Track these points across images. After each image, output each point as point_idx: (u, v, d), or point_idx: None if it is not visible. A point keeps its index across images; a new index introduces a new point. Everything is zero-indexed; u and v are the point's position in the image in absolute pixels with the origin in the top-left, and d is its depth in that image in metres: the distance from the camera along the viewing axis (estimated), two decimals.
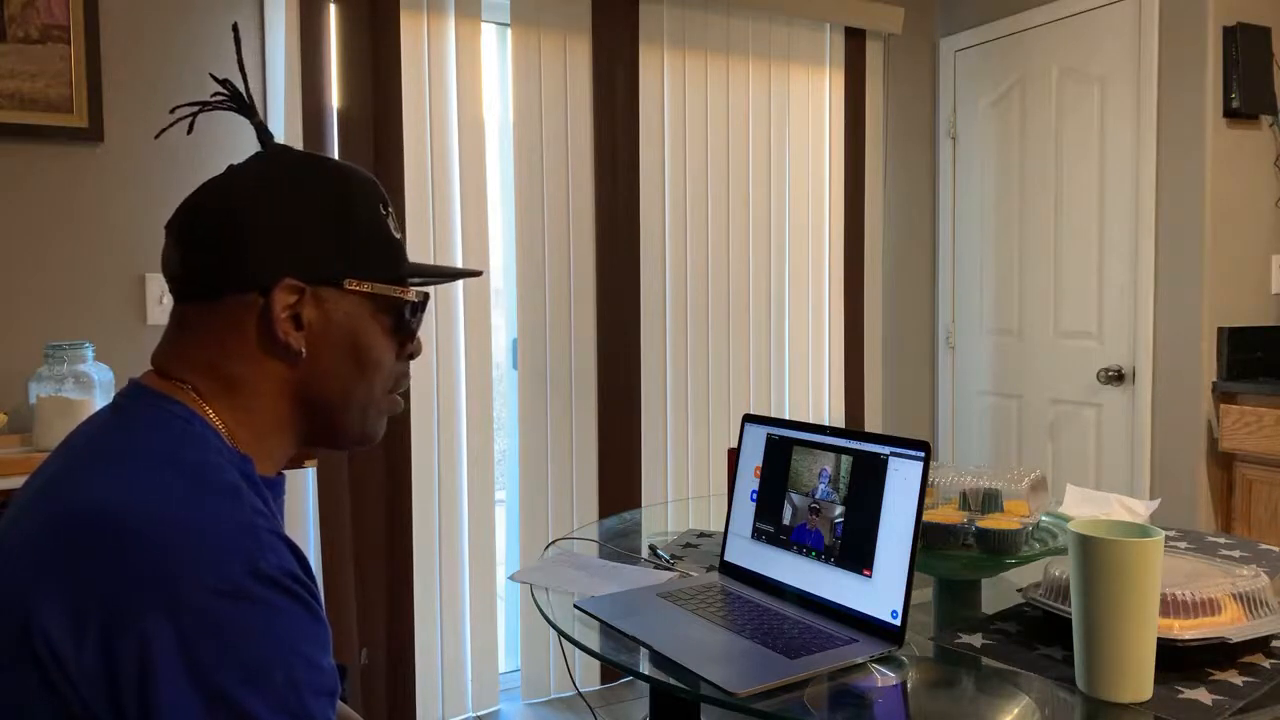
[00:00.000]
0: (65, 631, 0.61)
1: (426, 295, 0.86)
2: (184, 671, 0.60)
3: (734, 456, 1.49)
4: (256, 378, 0.78)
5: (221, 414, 0.77)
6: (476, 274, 0.90)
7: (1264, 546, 1.56)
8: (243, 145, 2.45)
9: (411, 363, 0.89)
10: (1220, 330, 2.83)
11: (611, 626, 1.23)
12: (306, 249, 0.78)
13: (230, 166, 0.81)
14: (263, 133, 0.85)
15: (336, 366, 0.81)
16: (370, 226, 0.82)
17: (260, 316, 0.77)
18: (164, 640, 0.60)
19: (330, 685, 0.67)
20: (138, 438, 0.71)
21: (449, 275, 0.88)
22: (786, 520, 1.35)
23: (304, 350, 0.78)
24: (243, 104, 0.84)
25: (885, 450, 1.23)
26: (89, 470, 0.68)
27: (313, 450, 0.80)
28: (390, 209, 0.85)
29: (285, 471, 0.83)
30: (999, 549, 1.34)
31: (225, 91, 0.84)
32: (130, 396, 0.77)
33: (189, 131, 0.89)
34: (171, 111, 0.86)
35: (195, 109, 0.86)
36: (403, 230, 2.38)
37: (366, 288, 0.81)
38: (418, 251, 2.64)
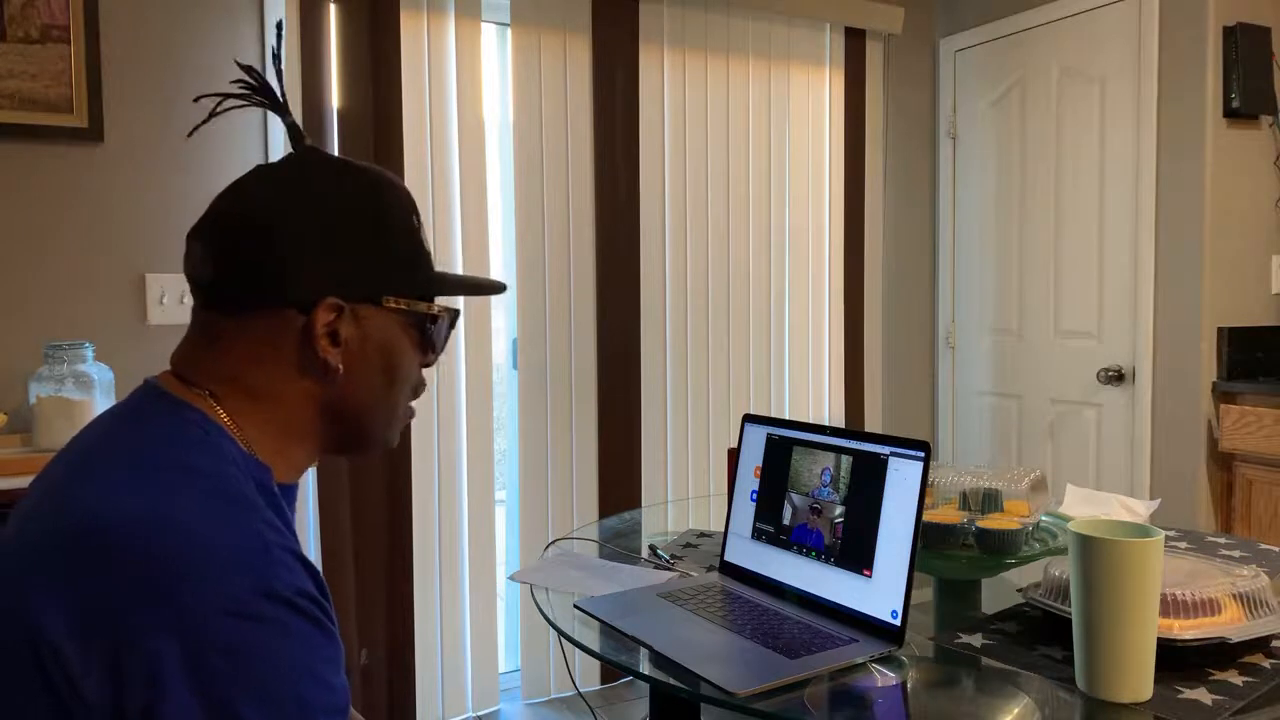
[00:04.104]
0: (73, 646, 0.60)
1: (458, 310, 0.87)
2: (191, 690, 0.60)
3: (734, 456, 1.49)
4: (287, 391, 0.77)
5: (241, 423, 0.75)
6: (502, 288, 0.88)
7: (1264, 546, 1.56)
8: (245, 143, 2.46)
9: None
10: (1220, 330, 2.83)
11: (611, 626, 1.23)
12: (348, 267, 0.77)
13: (260, 169, 0.78)
14: (295, 133, 0.83)
15: (368, 381, 0.80)
16: (407, 242, 0.81)
17: (300, 334, 0.76)
18: (171, 658, 0.60)
19: (341, 704, 0.67)
20: (150, 444, 0.69)
21: (476, 288, 0.86)
22: (786, 520, 1.35)
23: (341, 367, 0.77)
24: (275, 101, 0.83)
25: (885, 450, 1.23)
26: (97, 476, 0.67)
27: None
28: (420, 219, 0.84)
29: None
30: (999, 549, 1.34)
31: (251, 80, 0.82)
32: (145, 399, 0.75)
33: (207, 120, 0.87)
34: (196, 100, 0.84)
35: (220, 99, 0.82)
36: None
37: (403, 304, 0.80)
38: None
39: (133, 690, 0.59)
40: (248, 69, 0.82)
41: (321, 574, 0.71)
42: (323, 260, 0.76)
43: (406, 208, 0.82)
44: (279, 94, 0.83)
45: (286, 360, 0.76)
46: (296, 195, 0.76)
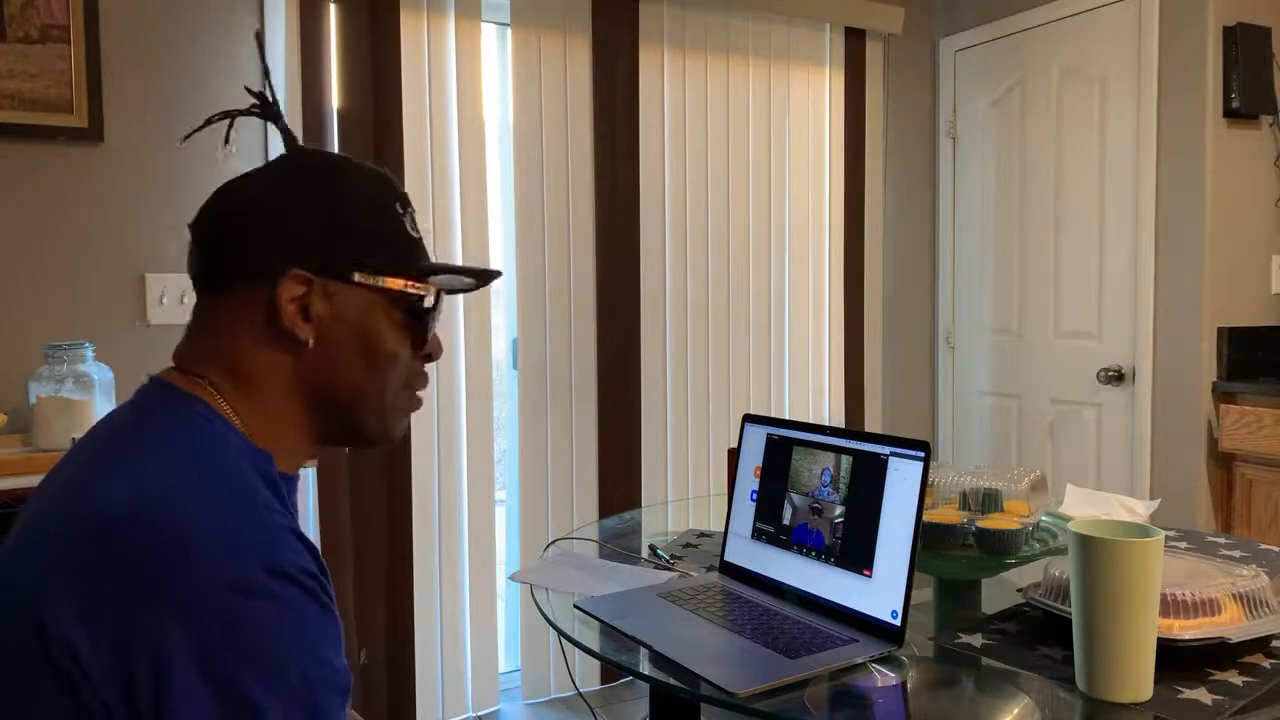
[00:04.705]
0: (81, 631, 0.61)
1: (439, 290, 0.85)
2: (198, 667, 0.61)
3: (734, 456, 1.49)
4: (266, 371, 0.78)
5: (239, 410, 0.77)
6: (496, 274, 0.88)
7: (1264, 546, 1.56)
8: (245, 143, 2.45)
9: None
10: (1220, 330, 2.83)
11: (611, 626, 1.23)
12: (313, 241, 0.79)
13: (255, 168, 0.83)
14: (287, 136, 0.87)
15: (346, 361, 0.80)
16: (381, 221, 0.82)
17: (268, 307, 0.77)
18: (179, 636, 0.61)
19: (343, 684, 0.68)
20: (156, 438, 0.72)
21: (469, 273, 0.87)
22: (786, 520, 1.35)
23: (311, 341, 0.78)
24: (269, 110, 0.87)
25: (885, 450, 1.23)
26: (106, 471, 0.69)
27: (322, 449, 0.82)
28: (409, 208, 0.85)
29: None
30: (999, 549, 1.34)
31: (256, 100, 0.87)
32: (150, 395, 0.77)
33: (225, 143, 0.95)
34: (208, 122, 0.89)
35: (227, 119, 0.88)
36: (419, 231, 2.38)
37: (375, 281, 0.81)
38: None
39: (142, 670, 0.61)
40: (256, 94, 0.88)
41: (322, 557, 0.72)
42: (289, 235, 0.78)
43: (386, 192, 0.83)
44: (272, 101, 0.87)
45: (259, 336, 0.78)
46: (270, 180, 0.80)
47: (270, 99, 0.87)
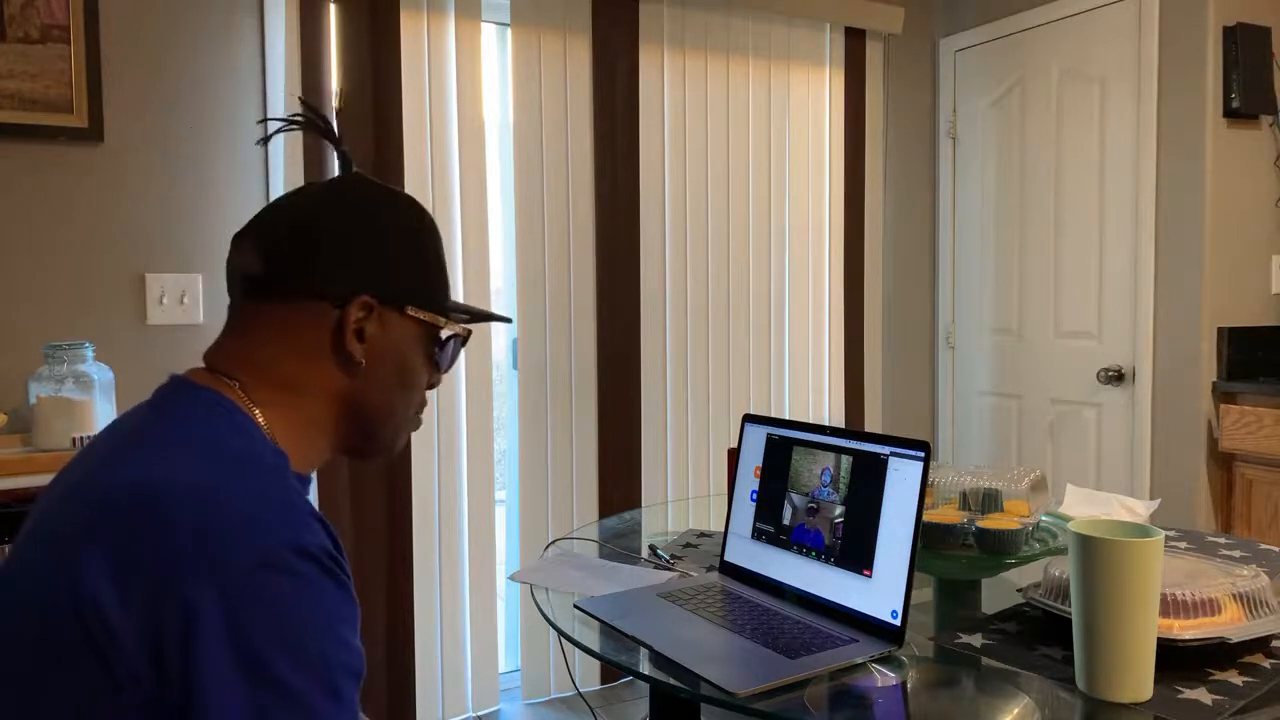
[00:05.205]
0: (113, 599, 0.63)
1: (470, 332, 0.94)
2: (225, 638, 0.63)
3: (734, 456, 1.49)
4: (311, 380, 0.83)
5: (267, 414, 0.80)
6: (507, 320, 0.97)
7: (1264, 546, 1.56)
8: (242, 147, 2.45)
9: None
10: (1220, 330, 2.83)
11: (611, 626, 1.23)
12: (384, 272, 0.85)
13: (314, 182, 0.88)
14: (345, 159, 0.92)
15: (384, 381, 0.87)
16: (436, 264, 0.90)
17: (333, 325, 0.82)
18: (208, 607, 0.63)
19: (357, 666, 0.70)
20: (180, 425, 0.74)
21: (483, 317, 0.94)
22: (786, 520, 1.35)
23: (364, 361, 0.84)
24: (331, 134, 0.92)
25: (885, 450, 1.23)
26: (133, 455, 0.71)
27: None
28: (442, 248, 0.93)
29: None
30: (999, 549, 1.34)
31: (309, 114, 0.92)
32: (170, 393, 0.79)
33: (262, 143, 0.98)
34: (259, 123, 0.95)
35: (282, 126, 0.94)
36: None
37: (424, 316, 0.88)
38: None
39: (170, 637, 0.62)
40: (306, 103, 0.94)
41: (340, 542, 0.75)
42: (364, 264, 0.84)
43: (434, 232, 0.91)
44: (333, 126, 0.93)
45: (316, 350, 0.82)
46: (348, 200, 0.85)
47: (330, 122, 0.92)
